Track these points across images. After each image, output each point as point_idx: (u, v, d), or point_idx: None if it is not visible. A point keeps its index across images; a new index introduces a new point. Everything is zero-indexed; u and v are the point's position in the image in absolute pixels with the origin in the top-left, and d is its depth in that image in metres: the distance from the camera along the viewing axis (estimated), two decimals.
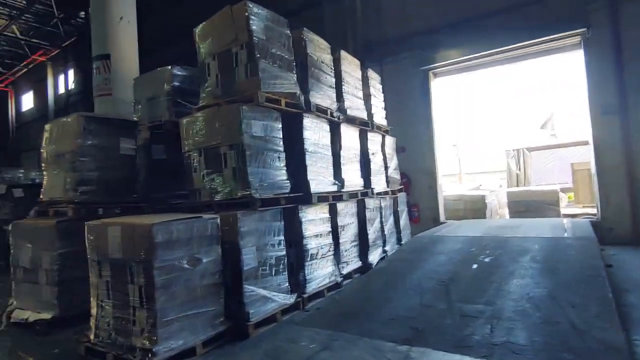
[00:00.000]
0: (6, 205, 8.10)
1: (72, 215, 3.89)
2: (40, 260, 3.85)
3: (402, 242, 6.25)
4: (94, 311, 3.09)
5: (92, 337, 3.04)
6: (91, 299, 3.13)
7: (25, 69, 18.56)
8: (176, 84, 4.94)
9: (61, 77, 17.58)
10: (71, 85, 16.83)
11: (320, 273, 4.20)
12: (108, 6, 7.28)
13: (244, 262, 3.38)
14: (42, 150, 4.44)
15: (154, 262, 2.71)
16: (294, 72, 4.36)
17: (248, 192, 3.60)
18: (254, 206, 3.59)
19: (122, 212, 4.27)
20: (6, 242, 8.24)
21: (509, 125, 19.06)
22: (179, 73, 4.98)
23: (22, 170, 10.20)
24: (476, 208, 9.12)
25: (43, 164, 4.43)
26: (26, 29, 16.66)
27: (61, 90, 17.48)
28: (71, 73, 16.95)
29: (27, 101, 19.79)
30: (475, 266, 4.46)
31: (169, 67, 4.94)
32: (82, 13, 16.22)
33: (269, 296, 3.57)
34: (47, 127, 4.45)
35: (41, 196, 4.39)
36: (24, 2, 14.53)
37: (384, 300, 3.78)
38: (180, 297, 2.87)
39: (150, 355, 2.64)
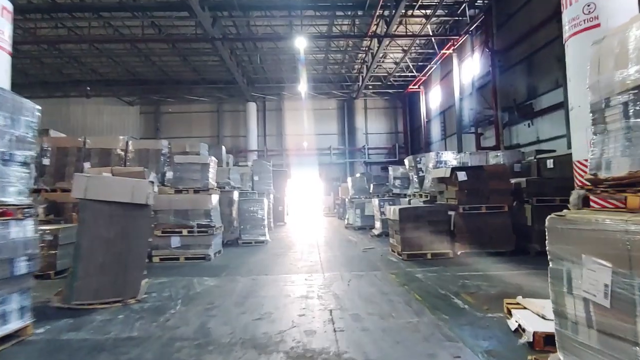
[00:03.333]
0: (451, 190, 7.65)
1: None
2: (622, 289, 1.96)
3: None
4: None
5: None
6: None
7: (434, 66, 20.12)
8: None
9: (464, 65, 17.56)
10: (476, 71, 16.35)
11: None
12: None
13: None
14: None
15: None
16: None
17: None
18: None
19: None
20: (450, 228, 7.92)
21: None
22: None
23: (454, 152, 9.95)
24: None
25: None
26: (436, 25, 17.74)
27: (464, 79, 17.45)
28: (475, 57, 16.49)
29: (434, 97, 21.55)
30: None
31: None
32: None
33: None
34: (598, 45, 2.58)
35: (587, 174, 2.59)
36: None
37: None
38: None
39: None
